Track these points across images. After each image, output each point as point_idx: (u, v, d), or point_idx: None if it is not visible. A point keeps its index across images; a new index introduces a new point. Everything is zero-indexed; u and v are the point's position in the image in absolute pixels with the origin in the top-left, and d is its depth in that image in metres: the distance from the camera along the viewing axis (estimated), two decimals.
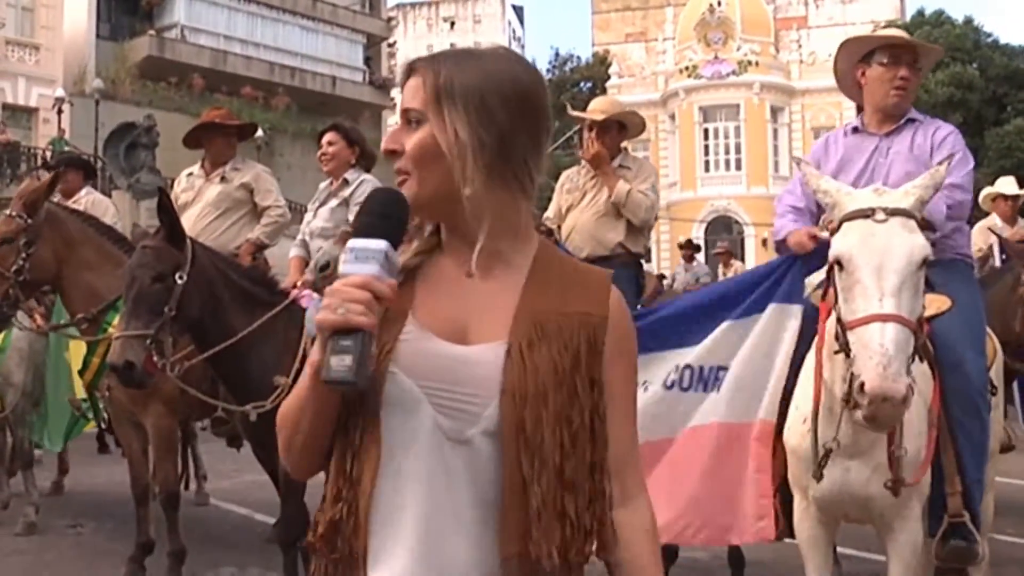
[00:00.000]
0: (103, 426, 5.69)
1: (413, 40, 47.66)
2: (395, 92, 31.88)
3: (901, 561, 2.87)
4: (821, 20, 43.34)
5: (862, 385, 2.34)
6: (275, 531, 4.87)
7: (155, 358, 3.85)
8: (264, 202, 5.45)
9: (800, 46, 41.12)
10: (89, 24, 28.28)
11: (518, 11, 59.83)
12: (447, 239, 1.36)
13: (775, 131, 40.02)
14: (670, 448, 3.46)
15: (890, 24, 24.95)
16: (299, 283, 4.53)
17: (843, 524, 3.14)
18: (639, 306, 4.96)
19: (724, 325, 3.48)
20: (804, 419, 2.90)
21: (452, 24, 54.28)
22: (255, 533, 5.87)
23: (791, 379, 3.21)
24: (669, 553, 4.05)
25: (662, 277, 14.78)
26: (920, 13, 38.88)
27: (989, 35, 37.60)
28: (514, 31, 57.50)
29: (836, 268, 2.60)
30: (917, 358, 2.56)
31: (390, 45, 37.22)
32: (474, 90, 1.28)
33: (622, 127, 5.12)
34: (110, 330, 4.45)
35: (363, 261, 1.20)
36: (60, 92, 23.82)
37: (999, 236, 6.29)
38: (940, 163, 2.70)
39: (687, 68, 40.08)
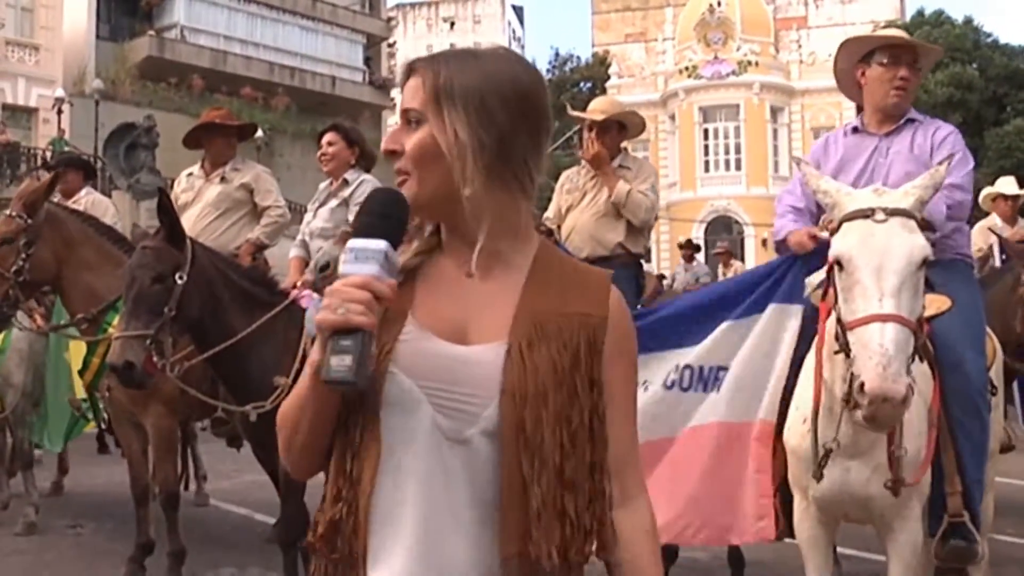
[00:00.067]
0: (103, 426, 5.69)
1: (413, 40, 47.64)
2: (395, 92, 31.87)
3: (901, 561, 2.87)
4: (821, 20, 43.32)
5: (862, 385, 2.34)
6: (275, 531, 4.87)
7: (155, 358, 3.85)
8: (264, 202, 5.45)
9: (800, 46, 41.08)
10: (89, 24, 28.25)
11: (518, 11, 59.83)
12: (447, 239, 1.36)
13: (775, 131, 39.99)
14: (670, 448, 3.47)
15: (890, 24, 24.97)
16: (299, 283, 4.53)
17: (843, 524, 3.14)
18: (639, 306, 4.96)
19: (724, 325, 3.48)
20: (804, 419, 2.90)
21: (452, 24, 54.24)
22: (255, 533, 5.86)
23: (791, 379, 3.21)
24: (669, 553, 4.05)
25: (662, 277, 14.77)
26: (920, 13, 38.90)
27: (989, 35, 37.64)
28: (514, 31, 57.47)
29: (836, 268, 2.60)
30: (917, 358, 2.56)
31: (390, 45, 37.20)
32: (474, 90, 1.28)
33: (622, 127, 5.11)
34: (110, 330, 4.45)
35: (363, 261, 1.20)
36: (60, 92, 23.80)
37: (999, 236, 6.29)
38: (940, 163, 2.70)
39: (687, 68, 40.05)
